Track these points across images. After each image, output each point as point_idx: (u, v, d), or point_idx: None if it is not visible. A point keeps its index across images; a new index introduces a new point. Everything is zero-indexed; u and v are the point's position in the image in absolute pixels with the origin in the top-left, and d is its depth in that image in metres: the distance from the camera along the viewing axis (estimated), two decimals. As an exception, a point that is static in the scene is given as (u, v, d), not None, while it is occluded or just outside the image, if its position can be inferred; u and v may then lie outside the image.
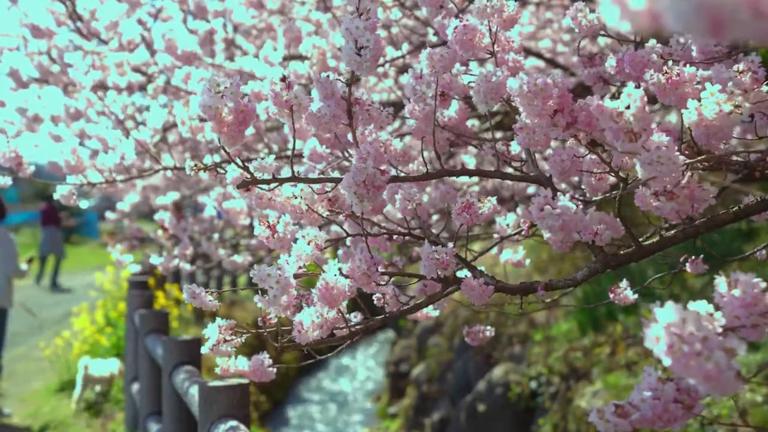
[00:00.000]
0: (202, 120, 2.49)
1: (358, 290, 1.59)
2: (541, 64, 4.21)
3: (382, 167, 1.52)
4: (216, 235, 5.18)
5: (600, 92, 1.90)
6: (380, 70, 3.59)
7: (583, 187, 1.78)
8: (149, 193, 6.28)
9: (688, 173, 1.47)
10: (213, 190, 4.80)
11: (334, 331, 1.63)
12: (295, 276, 1.56)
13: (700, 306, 0.97)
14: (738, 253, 5.04)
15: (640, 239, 1.76)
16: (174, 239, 4.41)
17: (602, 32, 1.77)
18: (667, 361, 0.95)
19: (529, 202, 1.41)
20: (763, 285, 1.09)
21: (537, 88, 1.35)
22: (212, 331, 1.63)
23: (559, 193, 1.41)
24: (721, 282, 1.09)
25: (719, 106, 1.27)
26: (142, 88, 4.27)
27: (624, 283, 1.93)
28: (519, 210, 2.12)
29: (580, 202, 1.42)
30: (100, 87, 3.93)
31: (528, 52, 4.10)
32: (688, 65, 1.38)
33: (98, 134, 3.71)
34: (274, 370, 1.76)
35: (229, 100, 1.48)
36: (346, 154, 1.85)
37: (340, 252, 2.23)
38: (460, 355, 8.03)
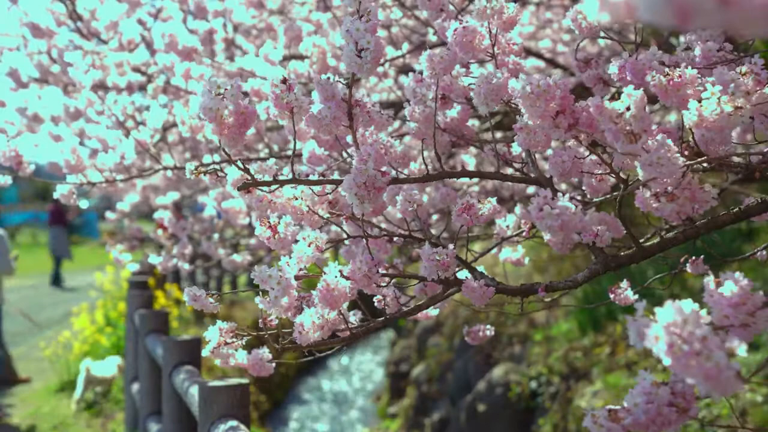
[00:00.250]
0: (202, 119, 2.49)
1: (359, 291, 1.59)
2: (541, 64, 4.21)
3: (383, 169, 1.52)
4: (216, 235, 5.18)
5: (600, 94, 1.90)
6: (380, 69, 3.59)
7: (584, 188, 1.78)
8: (149, 193, 6.28)
9: (689, 174, 1.47)
10: (213, 189, 4.80)
11: (335, 333, 1.63)
12: (296, 277, 1.56)
13: (686, 305, 0.96)
14: (738, 254, 5.04)
15: (641, 240, 1.76)
16: (173, 239, 4.41)
17: (602, 33, 1.77)
18: (666, 361, 0.95)
19: (528, 203, 1.41)
20: (752, 284, 1.09)
21: (540, 89, 1.35)
22: (213, 334, 1.63)
23: (558, 194, 1.41)
24: (710, 281, 1.09)
25: (720, 107, 1.27)
26: (142, 88, 4.27)
27: (624, 284, 1.93)
28: (518, 210, 2.12)
29: (579, 203, 1.42)
30: (100, 87, 3.93)
31: (528, 52, 4.10)
32: (689, 68, 1.38)
33: (98, 134, 3.71)
34: (273, 364, 1.76)
35: (230, 103, 1.48)
36: (346, 156, 1.85)
37: (341, 251, 2.24)
38: (460, 355, 8.03)
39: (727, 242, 5.63)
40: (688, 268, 1.92)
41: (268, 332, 1.66)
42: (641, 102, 1.26)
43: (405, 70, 3.86)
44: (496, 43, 1.63)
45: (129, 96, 3.95)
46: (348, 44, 1.49)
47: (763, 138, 1.62)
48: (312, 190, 1.71)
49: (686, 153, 1.45)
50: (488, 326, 2.17)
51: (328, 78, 1.60)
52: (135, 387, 5.53)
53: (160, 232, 4.34)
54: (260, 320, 1.71)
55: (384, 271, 1.62)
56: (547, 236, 1.95)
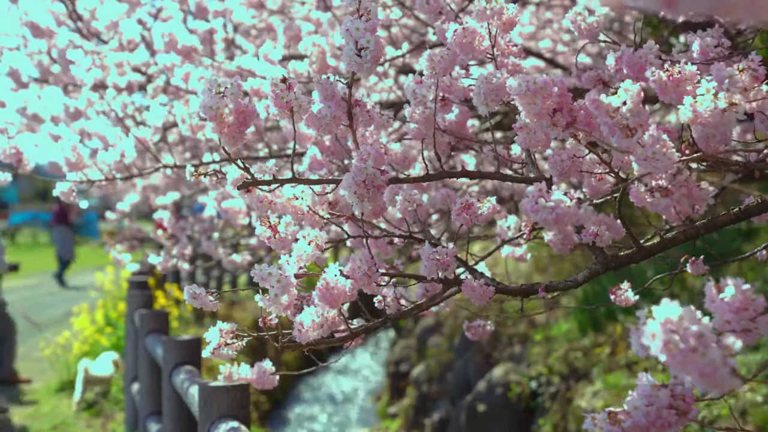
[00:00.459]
0: (202, 118, 2.50)
1: (360, 291, 1.59)
2: (541, 64, 4.21)
3: (382, 168, 1.52)
4: (216, 235, 5.18)
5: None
6: (380, 69, 3.59)
7: (583, 189, 1.78)
8: (149, 193, 6.28)
9: (686, 172, 1.47)
10: (213, 190, 4.80)
11: (335, 333, 1.63)
12: (296, 276, 1.56)
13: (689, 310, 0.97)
14: (738, 253, 5.04)
15: (641, 240, 1.76)
16: (173, 239, 4.41)
17: (602, 34, 1.77)
18: (663, 358, 0.95)
19: (529, 203, 1.41)
20: (754, 288, 1.09)
21: (537, 87, 1.35)
22: (213, 335, 1.63)
23: (553, 187, 1.41)
24: (711, 286, 1.09)
25: (714, 103, 1.27)
26: (142, 88, 4.27)
27: (625, 285, 1.93)
28: (520, 205, 2.12)
29: (575, 198, 1.42)
30: (101, 86, 3.93)
31: (528, 52, 4.10)
32: (688, 64, 1.38)
33: (98, 132, 3.71)
34: (277, 377, 1.76)
35: (230, 101, 1.48)
36: (348, 162, 1.85)
37: (342, 260, 2.24)
38: (460, 355, 8.03)
39: (727, 242, 5.63)
40: (689, 269, 1.92)
41: (269, 332, 1.66)
42: (637, 96, 1.26)
43: (405, 70, 3.86)
44: (495, 44, 1.63)
45: (129, 96, 3.95)
46: (348, 43, 1.49)
47: (763, 137, 1.62)
48: (312, 190, 1.71)
49: (687, 152, 1.45)
50: (489, 322, 2.17)
51: (328, 77, 1.60)
52: (135, 387, 5.53)
53: (160, 232, 4.34)
54: (260, 320, 1.71)
55: (384, 271, 1.63)
56: (547, 236, 1.95)
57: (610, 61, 1.58)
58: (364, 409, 10.52)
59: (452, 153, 2.66)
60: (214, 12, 4.43)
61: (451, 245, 1.64)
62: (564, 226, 1.39)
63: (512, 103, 1.44)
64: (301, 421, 10.02)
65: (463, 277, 1.73)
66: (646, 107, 1.33)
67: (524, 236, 2.02)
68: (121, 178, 3.00)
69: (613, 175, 1.58)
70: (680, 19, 1.87)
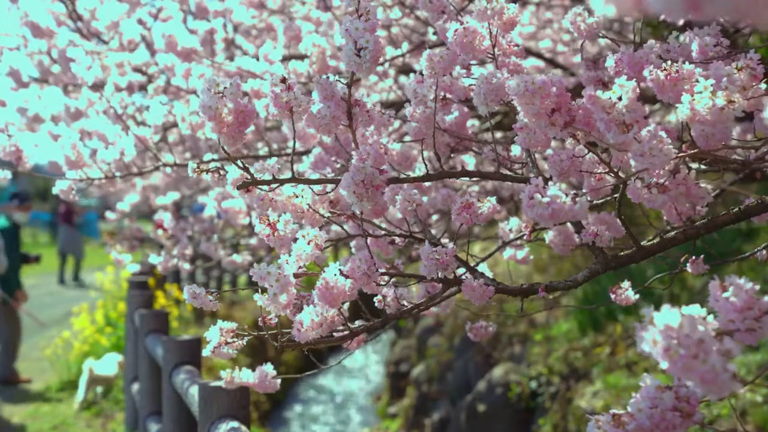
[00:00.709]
0: (201, 117, 2.49)
1: (360, 291, 1.59)
2: (541, 64, 4.21)
3: (382, 167, 1.52)
4: (216, 236, 5.18)
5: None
6: (380, 69, 3.59)
7: (583, 190, 1.78)
8: (149, 193, 6.28)
9: (685, 170, 1.47)
10: (213, 189, 4.80)
11: (335, 333, 1.63)
12: (295, 275, 1.56)
13: (694, 310, 0.97)
14: (738, 253, 5.04)
15: (641, 240, 1.76)
16: (173, 239, 4.41)
17: (602, 34, 1.77)
18: (664, 364, 0.95)
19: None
20: (757, 288, 1.09)
21: (535, 87, 1.35)
22: (213, 334, 1.63)
23: (549, 183, 1.41)
24: (715, 286, 1.09)
25: (712, 101, 1.27)
26: (143, 88, 4.27)
27: (625, 284, 1.93)
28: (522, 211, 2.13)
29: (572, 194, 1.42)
30: (101, 86, 3.93)
31: (528, 52, 4.10)
32: (687, 63, 1.38)
33: (98, 131, 3.71)
34: (278, 381, 1.76)
35: (229, 101, 1.48)
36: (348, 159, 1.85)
37: (341, 260, 2.24)
38: (460, 355, 8.03)
39: (727, 242, 5.63)
40: (689, 269, 1.93)
41: (268, 332, 1.66)
42: (633, 92, 1.26)
43: (405, 69, 3.86)
44: (496, 43, 1.63)
45: (129, 96, 3.95)
46: (347, 43, 1.49)
47: (763, 136, 1.62)
48: (312, 190, 1.71)
49: (687, 152, 1.45)
50: (491, 324, 2.17)
51: (327, 77, 1.60)
52: (135, 387, 5.53)
53: (160, 232, 4.34)
54: (260, 319, 1.71)
55: (384, 270, 1.63)
56: (548, 236, 1.95)
57: (610, 62, 1.58)
58: (364, 409, 10.52)
59: (452, 153, 2.66)
60: (214, 12, 4.43)
61: (451, 245, 1.64)
62: (561, 222, 1.39)
63: (512, 103, 1.44)
64: (301, 421, 10.02)
65: (463, 277, 1.73)
66: (646, 107, 1.33)
67: (524, 237, 2.03)
68: (120, 177, 3.00)
69: (612, 174, 1.58)
70: (680, 22, 1.87)
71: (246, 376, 1.79)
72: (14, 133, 4.72)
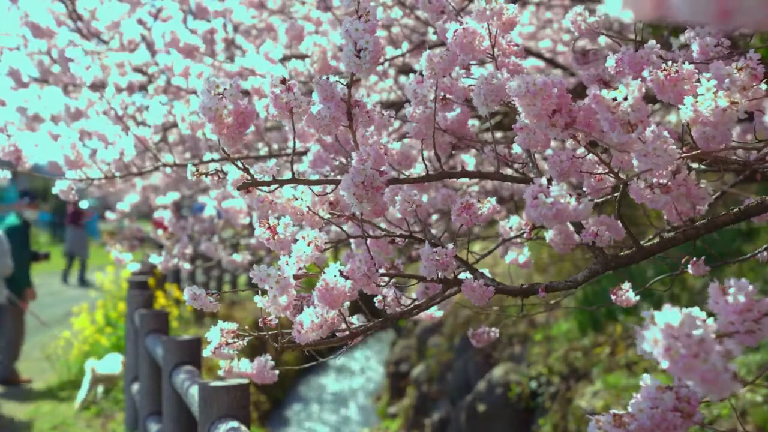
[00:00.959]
0: (201, 118, 2.49)
1: (360, 291, 1.59)
2: (541, 64, 4.21)
3: (382, 168, 1.52)
4: (216, 236, 5.18)
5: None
6: (380, 69, 3.59)
7: (584, 189, 1.78)
8: (149, 193, 6.28)
9: (685, 170, 1.47)
10: (213, 190, 4.80)
11: (335, 333, 1.63)
12: (295, 277, 1.56)
13: (693, 312, 0.97)
14: (738, 253, 5.04)
15: (641, 241, 1.76)
16: (173, 238, 4.41)
17: (602, 33, 1.77)
18: (664, 364, 0.95)
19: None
20: (758, 289, 1.09)
21: (536, 88, 1.35)
22: (214, 335, 1.63)
23: (552, 183, 1.41)
24: (715, 288, 1.09)
25: (715, 102, 1.27)
26: (143, 87, 4.27)
27: (626, 285, 1.93)
28: (522, 210, 2.13)
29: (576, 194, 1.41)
30: (101, 86, 3.93)
31: (528, 52, 4.10)
32: (687, 63, 1.37)
33: (98, 131, 3.71)
34: (277, 372, 1.76)
35: (229, 102, 1.48)
36: (348, 158, 1.85)
37: (343, 256, 2.24)
38: (460, 355, 8.03)
39: (727, 242, 5.63)
40: (690, 269, 1.93)
41: (269, 332, 1.66)
42: (639, 92, 1.26)
43: (405, 69, 3.86)
44: (495, 44, 1.63)
45: (129, 96, 3.95)
46: (347, 44, 1.49)
47: (763, 137, 1.62)
48: (312, 191, 1.71)
49: (691, 153, 1.45)
50: (492, 329, 2.17)
51: (327, 78, 1.60)
52: (135, 387, 5.53)
53: (160, 231, 4.34)
54: (260, 320, 1.71)
55: (384, 271, 1.62)
56: (548, 235, 1.95)
57: (611, 63, 1.57)
58: (364, 409, 10.52)
59: (453, 153, 2.66)
60: (214, 12, 4.43)
61: (451, 245, 1.64)
62: (564, 222, 1.39)
63: (512, 103, 1.44)
64: (301, 421, 10.02)
65: (462, 277, 1.72)
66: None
67: (524, 235, 2.03)
68: (120, 177, 3.00)
69: (612, 175, 1.58)
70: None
71: (244, 367, 1.79)
72: (14, 133, 4.73)
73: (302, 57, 3.27)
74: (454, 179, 2.50)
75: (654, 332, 0.96)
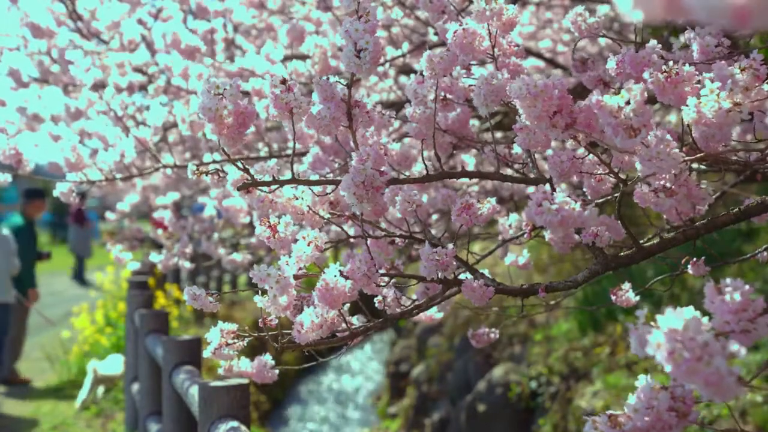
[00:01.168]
0: (201, 119, 2.49)
1: (360, 292, 1.59)
2: (541, 64, 4.21)
3: (382, 169, 1.52)
4: (216, 235, 5.18)
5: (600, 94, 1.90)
6: (380, 69, 3.59)
7: (584, 189, 1.78)
8: (149, 193, 6.28)
9: (686, 172, 1.47)
10: (213, 189, 4.80)
11: (336, 333, 1.63)
12: (295, 277, 1.56)
13: (688, 312, 0.96)
14: (738, 253, 5.04)
15: (641, 241, 1.76)
16: (173, 238, 4.41)
17: (602, 34, 1.77)
18: (668, 367, 0.95)
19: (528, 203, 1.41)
20: (755, 288, 1.09)
21: (537, 90, 1.35)
22: (214, 335, 1.63)
23: (557, 189, 1.41)
24: (710, 287, 1.09)
25: (718, 104, 1.27)
26: (143, 88, 4.27)
27: (626, 286, 1.93)
28: (522, 210, 2.13)
29: (579, 200, 1.42)
30: (101, 86, 3.93)
31: (528, 52, 4.10)
32: (687, 65, 1.37)
33: (98, 132, 3.71)
34: (277, 372, 1.76)
35: (229, 102, 1.48)
36: (348, 159, 1.85)
37: (343, 256, 2.24)
38: (460, 355, 8.03)
39: (727, 242, 5.63)
40: (690, 270, 1.93)
41: (269, 332, 1.66)
42: (641, 96, 1.25)
43: (405, 70, 3.86)
44: (496, 44, 1.63)
45: (129, 96, 3.95)
46: (347, 44, 1.49)
47: (763, 137, 1.62)
48: (312, 191, 1.71)
49: (694, 156, 1.45)
50: (492, 329, 2.17)
51: (327, 78, 1.60)
52: (135, 387, 5.53)
53: (159, 231, 4.34)
54: (260, 320, 1.71)
55: (384, 271, 1.62)
56: (548, 234, 1.95)
57: (611, 64, 1.57)
58: (364, 409, 10.52)
59: (453, 153, 2.66)
60: (214, 12, 4.43)
61: (451, 246, 1.64)
62: (568, 228, 1.39)
63: (512, 103, 1.44)
64: (301, 421, 10.02)
65: (462, 277, 1.72)
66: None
67: (524, 235, 2.03)
68: (121, 178, 3.00)
69: (612, 175, 1.58)
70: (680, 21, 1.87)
71: (244, 366, 1.79)
72: (14, 134, 4.73)
73: (303, 57, 3.27)
74: (454, 179, 2.50)
75: (657, 336, 0.96)
